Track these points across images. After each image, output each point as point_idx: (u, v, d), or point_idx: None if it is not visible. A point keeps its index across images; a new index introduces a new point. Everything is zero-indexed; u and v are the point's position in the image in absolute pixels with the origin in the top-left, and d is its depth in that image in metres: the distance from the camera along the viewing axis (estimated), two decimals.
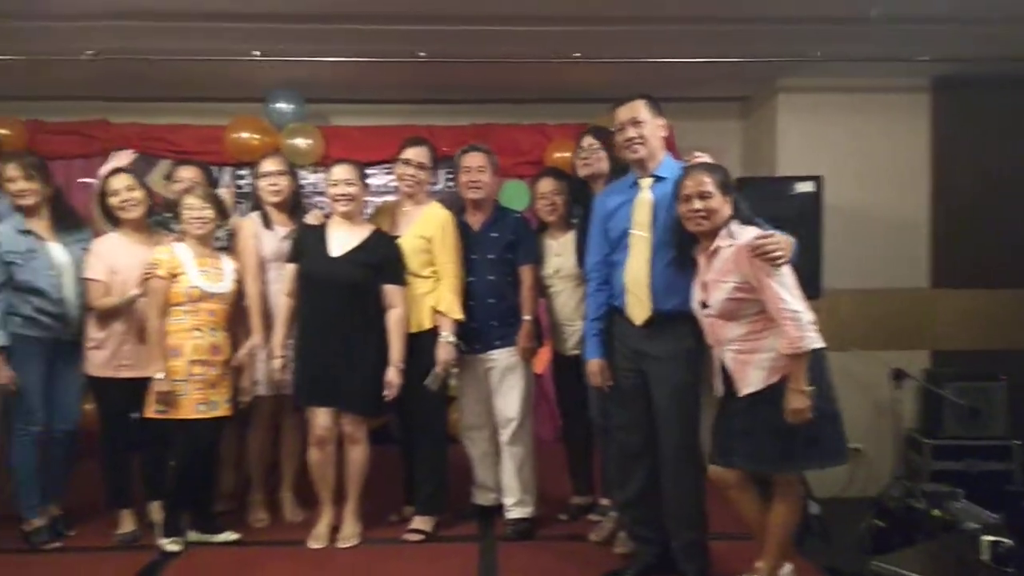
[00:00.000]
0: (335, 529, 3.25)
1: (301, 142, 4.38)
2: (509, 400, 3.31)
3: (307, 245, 3.21)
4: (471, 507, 3.52)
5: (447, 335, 3.20)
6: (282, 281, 3.27)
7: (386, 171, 4.37)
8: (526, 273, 3.33)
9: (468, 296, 3.28)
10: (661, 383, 2.75)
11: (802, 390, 2.40)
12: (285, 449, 3.52)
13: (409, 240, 3.25)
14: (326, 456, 3.22)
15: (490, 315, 3.30)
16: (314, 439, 3.20)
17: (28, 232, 3.16)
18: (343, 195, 3.17)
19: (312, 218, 3.33)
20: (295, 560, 3.11)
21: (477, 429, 3.45)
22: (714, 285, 2.55)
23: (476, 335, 3.29)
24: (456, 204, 3.43)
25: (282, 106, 4.36)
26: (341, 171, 3.19)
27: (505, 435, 3.33)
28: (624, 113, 2.78)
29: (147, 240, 3.26)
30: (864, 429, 4.09)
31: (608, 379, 2.89)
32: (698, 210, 2.54)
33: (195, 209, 3.12)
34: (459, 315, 3.22)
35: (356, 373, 3.13)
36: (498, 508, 3.43)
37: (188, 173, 3.50)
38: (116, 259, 3.17)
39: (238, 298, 3.25)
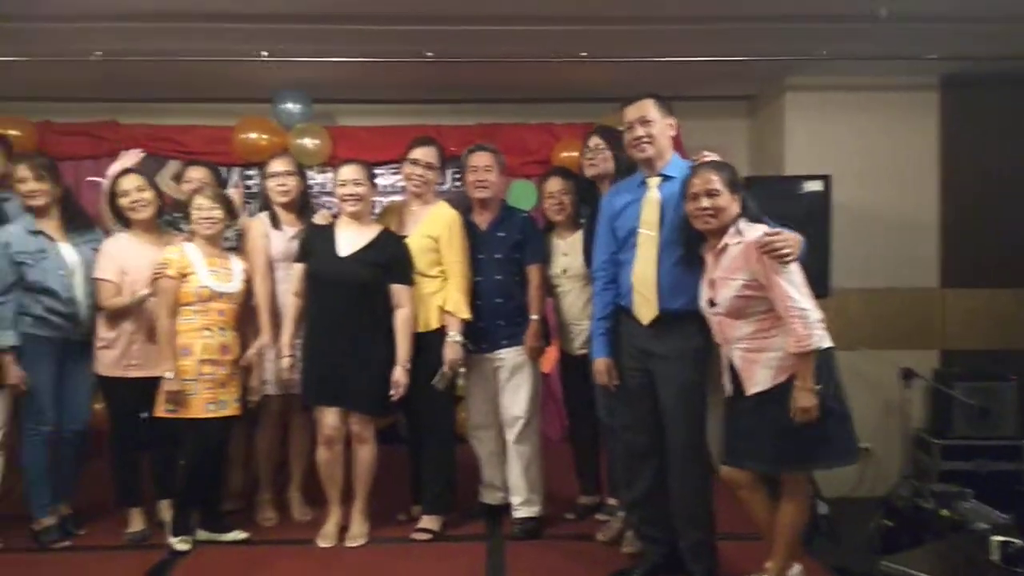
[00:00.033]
0: (343, 528, 3.26)
1: (309, 142, 4.39)
2: (516, 399, 3.31)
3: (315, 245, 3.22)
4: (478, 506, 3.52)
5: (454, 335, 3.21)
6: (290, 281, 3.28)
7: (394, 171, 4.38)
8: (533, 272, 3.33)
9: (475, 295, 3.28)
10: (668, 382, 2.75)
11: (809, 389, 2.39)
12: (293, 448, 3.54)
13: (416, 240, 3.26)
14: (334, 455, 3.23)
15: (497, 314, 3.30)
16: (322, 438, 3.21)
17: (39, 232, 3.17)
18: (351, 195, 3.18)
19: (320, 218, 3.34)
20: (303, 559, 3.12)
21: (484, 428, 3.45)
22: (722, 283, 2.55)
23: (483, 334, 3.29)
24: (463, 204, 3.43)
25: (290, 107, 4.37)
26: (349, 171, 3.20)
27: (512, 434, 3.33)
28: (633, 112, 2.77)
29: (157, 240, 3.28)
30: (873, 429, 4.06)
31: (615, 378, 2.89)
32: (706, 208, 2.54)
33: (204, 209, 3.14)
34: (466, 314, 3.22)
35: (364, 373, 3.13)
36: (505, 507, 3.43)
37: (198, 174, 3.53)
38: (126, 259, 3.18)
39: (247, 298, 3.26)
